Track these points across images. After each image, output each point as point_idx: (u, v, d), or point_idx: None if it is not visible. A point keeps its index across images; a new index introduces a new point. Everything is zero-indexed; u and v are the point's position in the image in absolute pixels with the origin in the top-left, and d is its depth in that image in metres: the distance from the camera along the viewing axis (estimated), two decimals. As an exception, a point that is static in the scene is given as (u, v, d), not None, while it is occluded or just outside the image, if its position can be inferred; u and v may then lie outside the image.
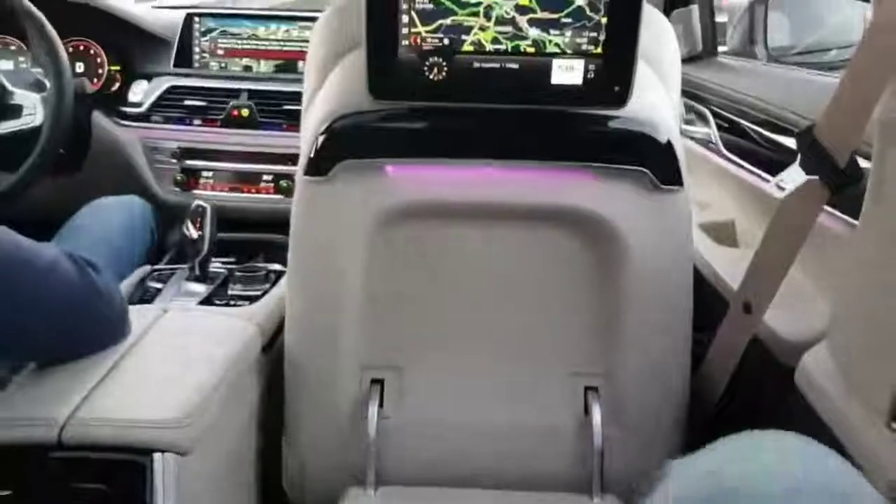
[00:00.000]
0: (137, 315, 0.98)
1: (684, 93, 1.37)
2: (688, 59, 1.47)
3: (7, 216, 0.82)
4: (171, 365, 0.89)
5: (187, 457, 0.79)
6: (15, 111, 1.34)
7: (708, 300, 1.04)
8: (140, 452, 0.76)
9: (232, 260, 1.40)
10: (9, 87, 1.36)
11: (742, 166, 1.21)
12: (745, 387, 0.97)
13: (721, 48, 1.53)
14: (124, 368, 0.87)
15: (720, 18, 1.58)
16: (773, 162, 1.12)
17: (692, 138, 1.37)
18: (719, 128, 1.31)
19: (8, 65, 1.61)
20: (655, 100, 0.99)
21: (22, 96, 1.35)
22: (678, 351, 1.00)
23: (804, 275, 0.93)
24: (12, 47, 1.62)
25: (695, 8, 1.45)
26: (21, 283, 0.81)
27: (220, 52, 1.63)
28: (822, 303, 0.90)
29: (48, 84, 1.38)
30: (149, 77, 1.61)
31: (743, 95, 1.24)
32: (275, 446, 1.04)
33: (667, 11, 1.48)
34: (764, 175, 1.13)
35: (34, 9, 1.36)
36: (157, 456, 0.76)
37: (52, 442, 0.75)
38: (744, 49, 1.50)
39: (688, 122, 1.39)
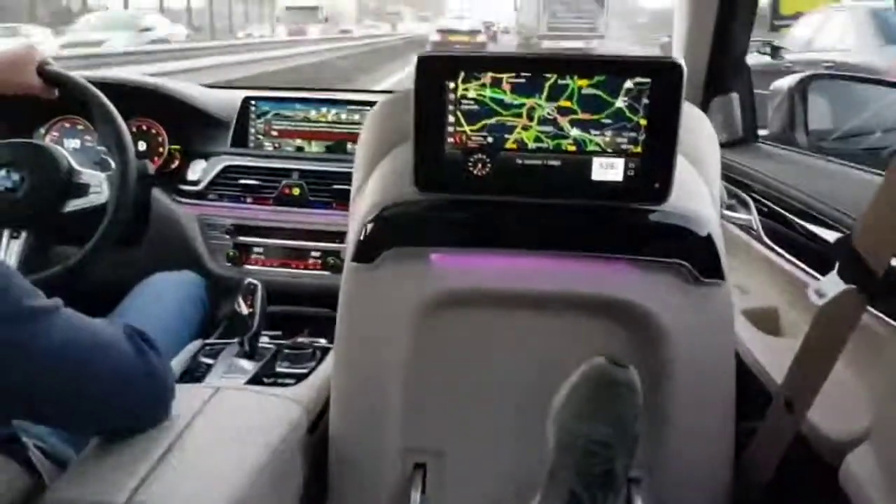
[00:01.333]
0: (190, 394, 1.02)
1: (725, 177, 1.40)
2: (728, 145, 1.50)
3: (71, 289, 0.87)
4: (222, 447, 0.92)
5: None
6: (82, 189, 1.42)
7: (751, 389, 1.04)
8: None
9: (279, 333, 1.44)
10: (76, 166, 1.44)
11: (783, 255, 1.22)
12: (789, 484, 0.96)
13: (761, 131, 1.56)
14: (178, 450, 0.90)
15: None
16: (814, 252, 1.12)
17: (733, 223, 1.39)
18: (760, 213, 1.32)
19: (75, 143, 1.70)
20: (695, 193, 1.01)
21: (89, 175, 1.43)
22: (721, 442, 1.00)
23: (848, 372, 0.93)
24: (79, 126, 1.72)
25: (735, 96, 1.48)
26: (84, 362, 0.86)
27: (273, 133, 1.71)
28: (867, 401, 0.90)
29: (112, 164, 1.46)
30: (206, 156, 1.69)
31: (783, 185, 1.26)
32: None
33: (706, 99, 1.52)
34: (804, 267, 1.14)
35: (100, 93, 1.45)
36: None
37: None
38: (784, 133, 1.52)
39: (729, 208, 1.40)
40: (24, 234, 1.41)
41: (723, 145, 1.45)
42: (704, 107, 1.51)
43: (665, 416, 0.99)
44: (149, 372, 0.92)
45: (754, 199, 1.34)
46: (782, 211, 1.24)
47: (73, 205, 1.42)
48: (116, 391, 0.89)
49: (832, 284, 0.77)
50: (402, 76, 12.22)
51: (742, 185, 1.39)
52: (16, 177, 1.37)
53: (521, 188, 0.96)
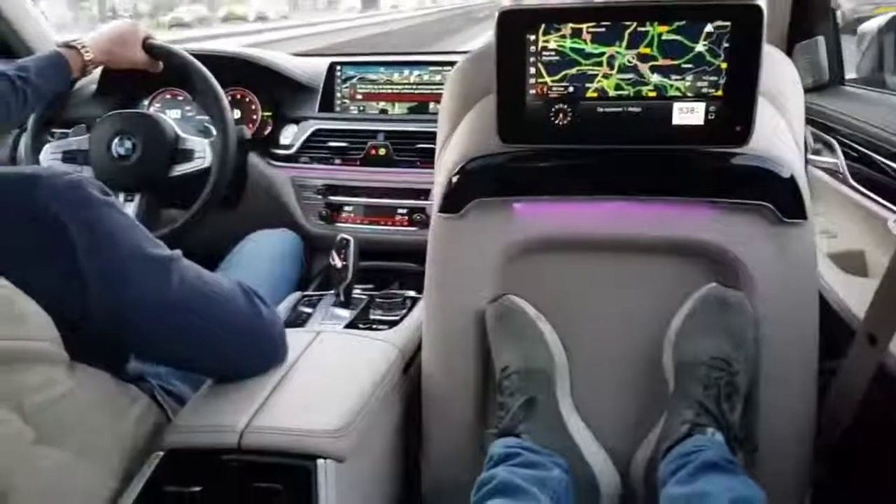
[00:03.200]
0: (295, 337, 1.10)
1: (811, 122, 1.38)
2: (814, 89, 1.47)
3: (179, 249, 0.96)
4: (326, 383, 1.00)
5: (343, 464, 0.89)
6: (187, 155, 1.53)
7: (835, 330, 1.05)
8: (306, 458, 0.87)
9: (371, 287, 1.52)
10: (181, 134, 1.55)
11: (870, 197, 1.21)
12: (871, 418, 0.97)
13: (848, 74, 1.52)
14: (288, 385, 0.98)
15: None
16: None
17: (819, 168, 1.38)
18: (846, 157, 1.31)
19: (176, 113, 1.81)
20: (777, 135, 1.02)
21: (193, 142, 1.54)
22: (804, 381, 1.02)
23: None
24: (179, 97, 1.82)
25: (820, 39, 1.45)
26: (204, 312, 0.94)
27: (358, 96, 1.77)
28: None
29: (214, 130, 1.57)
30: (297, 121, 1.77)
31: (870, 126, 1.24)
32: (416, 460, 1.13)
33: (790, 43, 1.49)
34: (892, 208, 1.13)
35: (200, 65, 1.55)
36: (319, 462, 0.87)
37: (234, 446, 0.88)
38: (872, 75, 1.48)
39: (815, 152, 1.39)
40: (136, 198, 1.54)
41: (808, 90, 1.44)
42: (789, 51, 1.49)
43: (752, 360, 1.01)
44: (261, 322, 1.01)
45: (841, 143, 1.32)
46: (870, 153, 1.22)
47: (179, 169, 1.53)
48: (233, 338, 0.98)
49: (914, 214, 0.78)
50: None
51: (828, 129, 1.37)
52: (128, 144, 1.49)
53: (603, 136, 0.99)
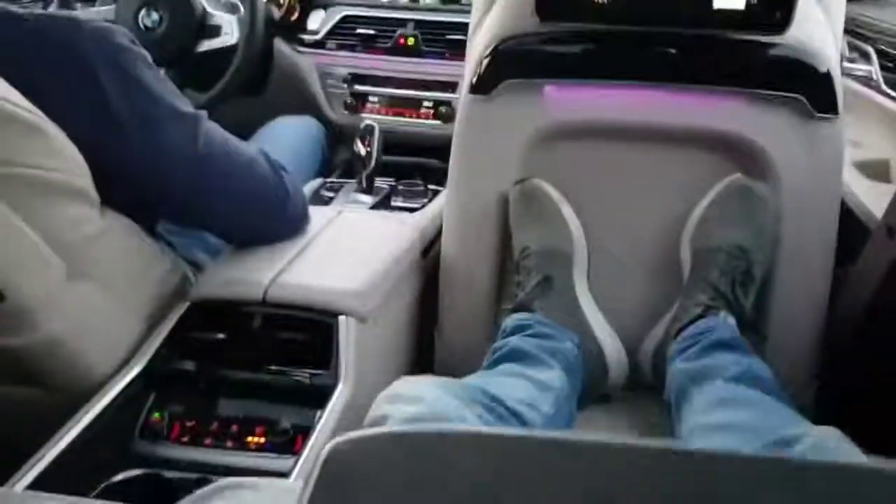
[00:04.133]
0: (318, 214, 1.12)
1: (848, 31, 1.35)
2: (853, -1, 1.44)
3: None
4: (348, 252, 1.03)
5: (363, 324, 0.92)
6: (214, 30, 1.52)
7: (856, 235, 1.06)
8: (328, 314, 0.90)
9: (392, 179, 1.53)
10: (209, 9, 1.54)
11: (903, 104, 1.20)
12: (884, 312, 0.99)
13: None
14: (312, 252, 1.01)
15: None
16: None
17: (852, 76, 1.35)
18: (883, 67, 1.29)
19: (205, -11, 1.79)
20: (817, 30, 1.00)
21: (220, 17, 1.52)
22: (820, 277, 1.03)
23: None
24: (207, -27, 1.80)
25: (866, -56, 1.41)
26: (228, 171, 0.95)
27: (390, -17, 1.74)
28: None
29: (242, 7, 1.55)
30: (325, 6, 1.74)
31: None
32: (430, 335, 1.17)
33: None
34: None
35: None
36: (341, 318, 0.89)
37: (259, 299, 0.90)
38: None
39: (850, 61, 1.37)
40: (161, 72, 1.53)
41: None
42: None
43: (771, 252, 1.02)
44: (284, 188, 1.02)
45: (878, 51, 1.30)
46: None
47: (206, 45, 1.52)
48: (255, 200, 0.99)
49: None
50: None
51: (864, 37, 1.35)
52: (155, 16, 1.48)
53: (642, 16, 0.98)
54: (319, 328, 0.89)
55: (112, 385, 0.82)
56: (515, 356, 0.91)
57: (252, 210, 1.00)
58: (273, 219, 1.03)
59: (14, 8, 0.87)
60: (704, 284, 0.97)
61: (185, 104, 0.91)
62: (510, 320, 1.00)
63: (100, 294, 0.83)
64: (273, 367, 0.87)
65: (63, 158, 0.78)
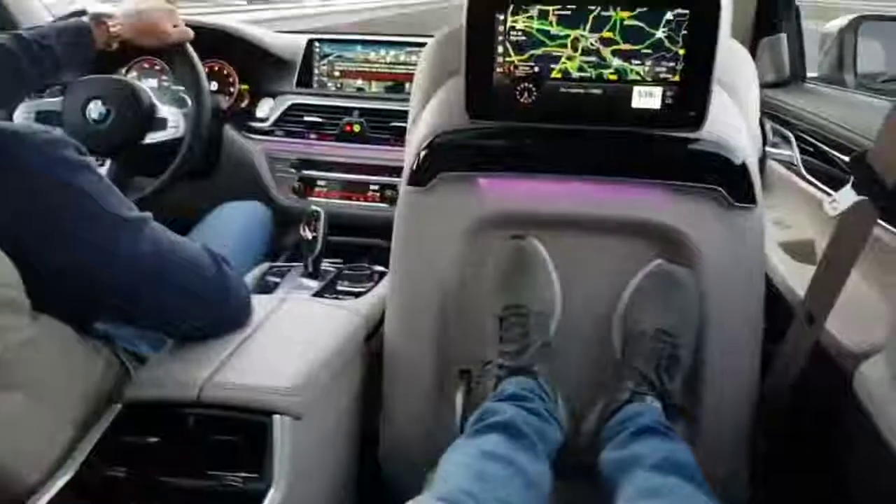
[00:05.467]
0: (260, 303, 1.12)
1: (771, 116, 1.43)
2: (776, 85, 1.52)
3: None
4: (288, 345, 1.03)
5: (299, 421, 0.92)
6: (161, 123, 1.54)
7: (784, 314, 1.10)
8: (263, 413, 0.90)
9: (340, 261, 1.54)
10: (156, 103, 1.56)
11: (822, 189, 1.26)
12: (807, 393, 1.02)
13: (810, 74, 1.57)
14: (250, 345, 1.01)
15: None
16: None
17: (777, 160, 1.42)
18: (803, 151, 1.36)
19: (152, 83, 1.82)
20: (731, 124, 1.06)
21: (167, 111, 1.55)
22: (748, 358, 1.07)
23: (867, 286, 0.98)
24: (156, 67, 1.83)
25: (783, 36, 1.50)
26: (171, 271, 0.96)
27: (336, 73, 1.80)
28: (883, 313, 0.95)
29: (189, 101, 1.58)
30: (273, 95, 1.79)
31: (825, 121, 1.29)
32: (373, 424, 1.17)
33: (754, 39, 1.54)
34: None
35: None
36: (276, 417, 0.89)
37: (193, 399, 0.90)
38: (833, 74, 1.53)
39: (773, 145, 1.44)
40: (107, 163, 1.54)
41: (771, 85, 1.49)
42: (753, 47, 1.54)
43: (697, 335, 1.06)
44: (227, 284, 1.03)
45: (798, 137, 1.37)
46: (825, 147, 1.27)
47: (153, 137, 1.53)
48: (198, 299, 1.00)
49: (846, 196, 0.83)
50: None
51: (787, 123, 1.42)
52: (102, 109, 1.50)
53: (565, 115, 1.03)
54: (254, 428, 0.89)
55: (41, 494, 0.81)
56: (508, 430, 0.92)
57: (194, 307, 1.01)
58: (215, 314, 1.04)
59: None
60: (632, 371, 1.00)
61: (129, 209, 0.92)
62: (508, 383, 1.01)
63: (29, 402, 0.82)
64: (208, 472, 0.86)
65: None
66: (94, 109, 1.50)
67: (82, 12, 1.47)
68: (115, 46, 1.46)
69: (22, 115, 1.54)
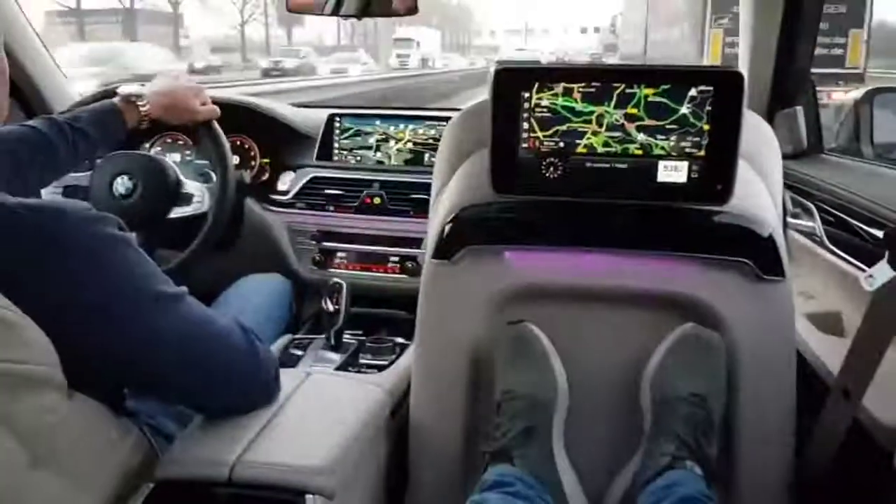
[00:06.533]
0: (285, 378, 1.12)
1: (790, 187, 1.44)
2: (793, 156, 1.54)
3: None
4: (316, 422, 1.02)
5: (332, 500, 0.90)
6: (186, 199, 1.56)
7: (814, 387, 1.09)
8: (296, 493, 0.88)
9: (360, 332, 1.54)
10: (181, 177, 1.59)
11: (846, 260, 1.26)
12: (846, 470, 1.00)
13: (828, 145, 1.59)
14: (279, 422, 1.00)
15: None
16: (876, 256, 1.16)
17: (798, 231, 1.43)
18: (824, 222, 1.36)
19: (176, 157, 1.85)
20: (757, 196, 1.07)
21: (192, 186, 1.57)
22: (782, 435, 1.05)
23: None
24: (179, 142, 1.87)
25: (799, 109, 1.53)
26: (206, 347, 0.96)
27: (356, 147, 1.83)
28: None
29: (213, 175, 1.61)
30: (294, 169, 1.82)
31: (846, 192, 1.30)
32: (400, 499, 1.14)
33: (771, 111, 1.56)
34: (865, 268, 1.18)
35: None
36: (308, 497, 0.88)
37: (224, 479, 0.89)
38: (849, 145, 1.55)
39: (794, 216, 1.44)
40: (133, 236, 1.56)
41: (789, 157, 1.51)
42: (770, 119, 1.56)
43: (728, 409, 1.04)
44: (258, 360, 1.03)
45: (819, 208, 1.38)
46: (846, 217, 1.28)
47: (178, 212, 1.56)
48: (230, 375, 0.99)
49: (883, 272, 0.82)
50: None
51: (807, 194, 1.43)
52: (129, 184, 1.52)
53: (591, 190, 1.04)
54: None
55: None
56: None
57: (226, 383, 1.00)
58: (246, 390, 1.03)
59: None
60: (669, 436, 0.98)
61: (166, 285, 0.92)
62: (490, 473, 0.99)
63: (61, 481, 0.81)
64: None
65: (33, 350, 0.78)
66: (121, 184, 1.52)
67: (112, 92, 1.51)
68: (145, 126, 1.50)
69: (50, 190, 1.57)
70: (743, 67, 1.53)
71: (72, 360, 0.82)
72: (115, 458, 0.92)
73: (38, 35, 1.84)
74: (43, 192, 1.56)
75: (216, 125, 1.58)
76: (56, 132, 1.34)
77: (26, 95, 1.79)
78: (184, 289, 0.95)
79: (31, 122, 1.35)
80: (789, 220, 1.43)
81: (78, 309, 0.82)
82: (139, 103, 1.47)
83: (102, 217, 0.86)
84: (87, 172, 1.57)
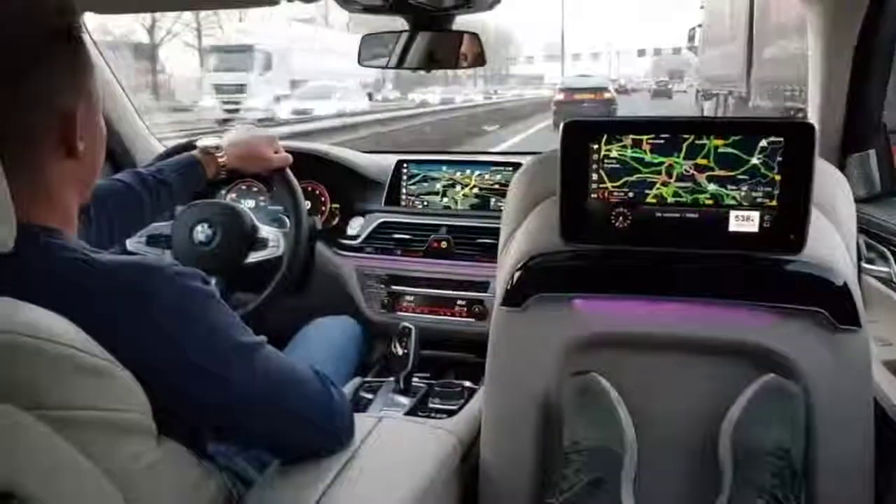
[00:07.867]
0: (360, 422, 1.14)
1: (864, 231, 1.42)
2: (867, 200, 1.51)
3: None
4: (390, 469, 1.04)
5: None
6: (262, 243, 1.62)
7: (892, 437, 1.06)
8: None
9: (428, 375, 1.56)
10: (257, 223, 1.66)
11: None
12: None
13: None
14: (353, 469, 1.02)
15: None
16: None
17: (874, 276, 1.40)
18: (902, 267, 1.33)
19: (250, 203, 1.93)
20: (831, 244, 1.06)
21: (268, 231, 1.63)
22: (861, 485, 1.03)
23: None
24: (254, 188, 1.94)
25: (872, 153, 1.50)
26: (285, 395, 1.00)
27: (423, 192, 1.87)
28: None
29: (287, 221, 1.67)
30: (363, 214, 1.87)
31: None
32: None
33: (843, 156, 1.54)
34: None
35: None
36: None
37: None
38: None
39: (869, 261, 1.42)
40: (213, 281, 1.62)
41: (862, 200, 1.48)
42: (841, 164, 1.54)
43: (806, 461, 1.03)
44: (333, 406, 1.06)
45: (894, 253, 1.35)
46: (924, 263, 1.25)
47: (254, 257, 1.62)
48: (308, 422, 1.02)
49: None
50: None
51: (881, 238, 1.41)
52: (209, 231, 1.59)
53: (660, 239, 1.05)
54: None
55: None
56: None
57: (304, 429, 1.03)
58: (322, 436, 1.06)
59: (88, 251, 0.94)
60: (755, 489, 0.97)
61: (247, 335, 0.96)
62: None
63: None
64: None
65: (128, 399, 0.83)
66: (201, 232, 1.59)
67: (192, 145, 1.59)
68: (223, 175, 1.57)
69: (134, 239, 1.65)
70: (813, 113, 1.52)
71: (159, 408, 0.87)
72: (199, 500, 0.95)
73: (125, 90, 1.95)
74: (128, 241, 1.65)
75: (289, 172, 1.64)
76: (142, 185, 1.42)
77: (114, 150, 1.90)
78: (263, 338, 0.99)
79: (118, 176, 1.43)
80: (864, 265, 1.40)
81: (170, 363, 0.87)
82: (217, 154, 1.54)
83: (190, 272, 0.91)
84: (168, 222, 1.65)
